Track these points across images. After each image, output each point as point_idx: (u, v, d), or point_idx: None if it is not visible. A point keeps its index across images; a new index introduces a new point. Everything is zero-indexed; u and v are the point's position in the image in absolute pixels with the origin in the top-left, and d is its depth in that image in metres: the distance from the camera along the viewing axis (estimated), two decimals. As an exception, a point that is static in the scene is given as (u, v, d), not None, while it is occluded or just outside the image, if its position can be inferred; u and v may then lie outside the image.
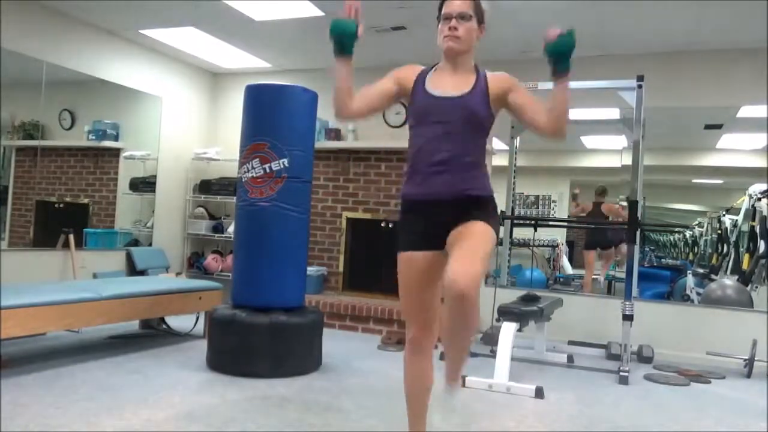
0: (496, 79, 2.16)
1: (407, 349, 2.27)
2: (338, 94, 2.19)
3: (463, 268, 1.89)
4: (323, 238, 6.23)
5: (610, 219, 6.17)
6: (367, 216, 6.02)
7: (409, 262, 2.14)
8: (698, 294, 5.56)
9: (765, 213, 5.35)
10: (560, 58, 2.01)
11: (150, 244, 6.11)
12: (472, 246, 1.98)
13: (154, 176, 6.16)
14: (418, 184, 2.12)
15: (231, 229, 5.76)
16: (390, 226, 5.71)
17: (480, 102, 2.11)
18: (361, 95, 2.20)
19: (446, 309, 1.96)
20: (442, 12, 2.15)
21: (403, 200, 2.19)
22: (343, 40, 2.17)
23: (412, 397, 2.31)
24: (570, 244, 6.53)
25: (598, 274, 6.21)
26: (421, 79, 2.19)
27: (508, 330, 3.93)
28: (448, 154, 2.08)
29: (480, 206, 2.10)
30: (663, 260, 6.53)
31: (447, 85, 2.15)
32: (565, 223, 6.45)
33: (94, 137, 5.64)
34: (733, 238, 5.76)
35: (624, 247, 6.03)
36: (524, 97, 2.14)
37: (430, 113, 2.12)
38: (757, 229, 5.40)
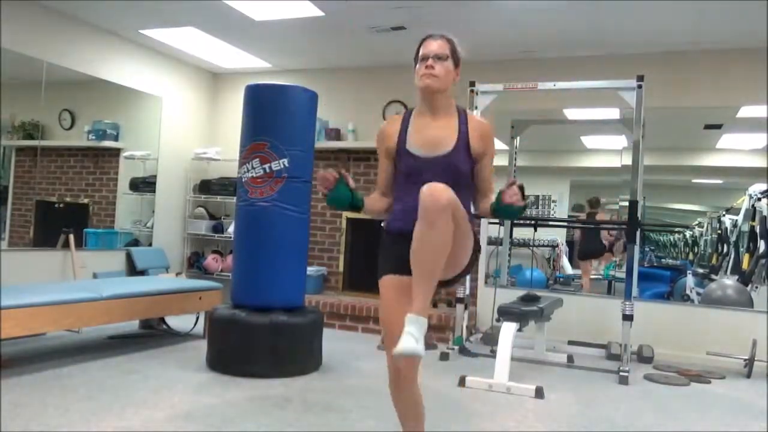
0: (478, 136, 2.16)
1: (391, 381, 2.15)
2: (381, 214, 2.33)
3: (436, 188, 1.88)
4: (323, 238, 6.23)
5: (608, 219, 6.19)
6: (367, 216, 6.01)
7: (390, 284, 2.14)
8: (698, 294, 5.56)
9: (765, 213, 5.35)
10: (504, 217, 2.13)
11: (150, 244, 6.11)
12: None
13: (154, 176, 6.16)
14: (399, 219, 2.16)
15: (231, 229, 5.76)
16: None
17: (463, 159, 2.13)
18: (385, 190, 2.30)
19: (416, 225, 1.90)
20: (420, 53, 2.17)
21: (386, 232, 2.24)
22: (346, 205, 2.18)
23: (408, 424, 2.22)
24: (570, 244, 6.53)
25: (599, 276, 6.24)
26: (402, 134, 2.19)
27: (508, 330, 3.93)
28: None
29: None
30: (663, 260, 6.52)
31: (429, 136, 2.15)
32: (565, 223, 6.45)
33: (94, 137, 5.63)
34: (733, 238, 5.75)
35: (620, 248, 6.10)
36: (487, 171, 2.20)
37: (415, 173, 2.13)
38: (757, 229, 5.40)
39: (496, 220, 5.37)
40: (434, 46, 2.14)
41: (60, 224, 5.22)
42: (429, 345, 4.67)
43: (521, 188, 1.99)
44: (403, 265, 2.00)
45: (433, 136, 2.15)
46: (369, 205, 2.26)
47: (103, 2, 4.82)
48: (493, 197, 2.15)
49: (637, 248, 4.44)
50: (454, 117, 2.19)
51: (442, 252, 1.87)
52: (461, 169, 2.13)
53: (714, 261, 5.96)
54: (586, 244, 6.36)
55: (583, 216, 6.24)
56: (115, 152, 5.79)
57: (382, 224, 2.31)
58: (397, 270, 2.11)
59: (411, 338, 1.79)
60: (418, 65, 2.17)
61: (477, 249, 2.17)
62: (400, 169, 2.21)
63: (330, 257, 6.22)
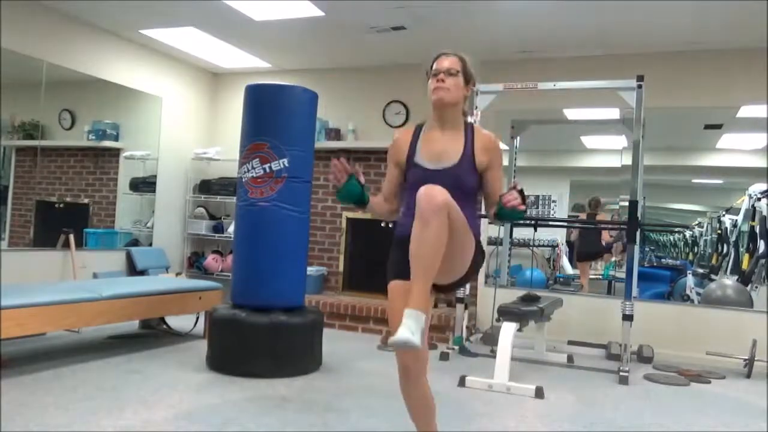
0: (483, 149, 2.24)
1: (400, 378, 2.22)
2: (383, 216, 2.44)
3: (432, 189, 1.96)
4: (323, 238, 6.23)
5: (608, 222, 6.18)
6: (367, 216, 6.02)
7: (395, 289, 2.23)
8: (698, 294, 5.56)
9: (765, 213, 5.35)
10: (506, 220, 2.22)
11: (150, 244, 6.11)
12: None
13: (154, 176, 6.16)
14: (404, 225, 2.23)
15: (231, 229, 5.76)
16: (390, 225, 5.70)
17: (468, 171, 2.22)
18: (388, 195, 2.39)
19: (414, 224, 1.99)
20: (433, 69, 2.26)
21: (395, 237, 2.31)
22: (356, 200, 2.28)
23: (420, 423, 2.31)
24: (570, 244, 6.53)
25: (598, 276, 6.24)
26: (412, 146, 2.29)
27: (508, 330, 3.93)
28: None
29: None
30: (663, 260, 6.52)
31: (436, 149, 2.24)
32: (565, 223, 6.45)
33: (94, 137, 5.63)
34: (733, 238, 5.75)
35: (620, 248, 6.10)
36: (494, 179, 2.26)
37: (422, 185, 2.14)
38: (757, 229, 5.40)
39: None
40: (446, 63, 2.25)
41: (60, 224, 5.22)
42: (429, 345, 4.66)
43: (521, 192, 2.06)
44: (406, 269, 2.05)
45: (440, 148, 2.24)
46: (373, 204, 2.34)
47: (103, 2, 4.82)
48: (498, 191, 2.23)
49: (637, 248, 4.43)
50: (462, 131, 2.27)
51: (437, 249, 1.93)
52: (466, 181, 2.21)
53: (714, 261, 5.96)
54: (585, 246, 6.36)
55: (583, 216, 6.24)
56: (115, 152, 5.79)
57: (382, 224, 2.37)
58: (401, 275, 2.16)
59: (406, 330, 1.84)
60: (430, 81, 2.26)
61: (479, 260, 2.23)
62: (408, 180, 2.29)
63: (330, 257, 6.22)
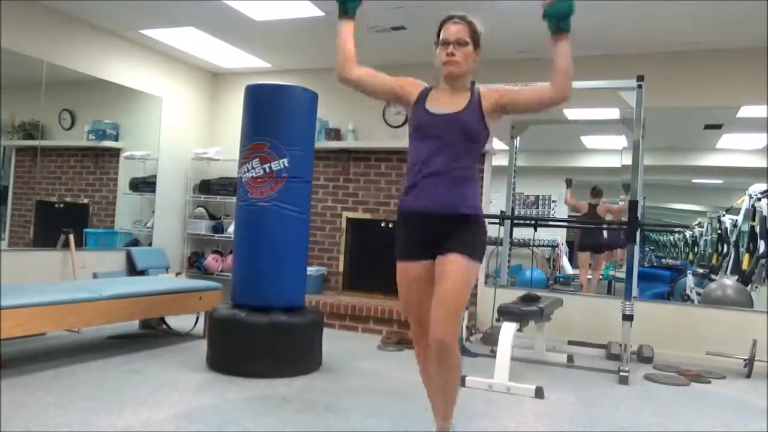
0: (487, 93, 2.33)
1: (414, 342, 2.48)
2: (341, 55, 2.39)
3: (442, 317, 2.17)
4: (323, 238, 6.23)
5: (607, 220, 6.16)
6: (367, 216, 6.02)
7: (406, 270, 2.34)
8: (698, 294, 5.56)
9: (765, 213, 5.35)
10: (560, 19, 2.09)
11: (150, 244, 6.11)
12: (450, 290, 2.20)
13: (154, 176, 6.16)
14: (413, 198, 2.29)
15: (231, 229, 5.76)
16: (390, 226, 5.71)
17: (473, 117, 2.28)
18: (366, 71, 2.42)
19: (431, 354, 2.24)
20: (441, 37, 2.31)
21: (400, 211, 2.37)
22: (347, 3, 2.33)
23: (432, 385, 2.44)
24: (570, 244, 6.53)
25: (590, 277, 6.22)
26: (422, 96, 2.36)
27: (508, 330, 3.93)
28: (442, 166, 2.25)
29: (468, 228, 2.26)
30: (663, 260, 6.52)
31: (444, 103, 2.31)
32: (565, 223, 6.45)
33: (94, 137, 5.64)
34: (733, 238, 5.75)
35: (619, 252, 6.05)
36: (515, 91, 2.33)
37: (428, 128, 2.30)
38: (757, 229, 5.40)
39: (496, 220, 5.36)
40: (453, 31, 2.29)
41: (60, 224, 5.22)
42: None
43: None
44: (413, 249, 2.24)
45: (448, 100, 2.32)
46: (346, 38, 2.40)
47: (103, 2, 4.82)
48: (537, 86, 2.30)
49: (637, 248, 4.43)
50: (469, 90, 2.36)
51: (457, 366, 2.25)
52: (471, 126, 2.27)
53: (714, 261, 5.96)
54: (585, 236, 6.29)
55: (584, 203, 6.17)
56: (115, 152, 5.79)
57: (382, 224, 2.44)
58: (411, 255, 2.30)
59: None
60: (438, 49, 2.32)
61: (485, 240, 2.37)
62: (412, 124, 2.36)
63: (330, 257, 6.21)
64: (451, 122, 2.26)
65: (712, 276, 5.79)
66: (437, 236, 2.25)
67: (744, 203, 5.60)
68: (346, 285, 6.13)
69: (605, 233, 6.29)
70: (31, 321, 3.43)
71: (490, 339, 4.72)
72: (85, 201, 5.64)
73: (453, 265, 2.22)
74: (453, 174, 2.25)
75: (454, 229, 2.24)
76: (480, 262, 2.32)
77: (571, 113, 5.77)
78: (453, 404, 2.34)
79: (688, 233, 6.41)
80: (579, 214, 6.22)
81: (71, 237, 5.11)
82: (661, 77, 4.89)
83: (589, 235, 6.27)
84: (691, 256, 6.35)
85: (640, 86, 4.24)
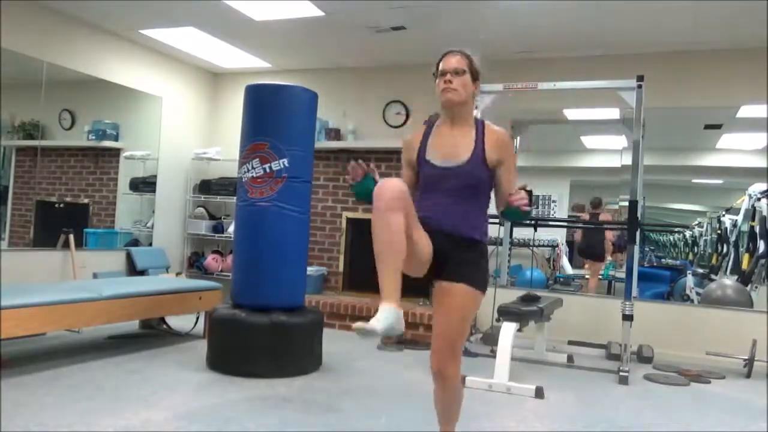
0: (493, 145, 2.24)
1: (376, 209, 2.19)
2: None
3: (443, 349, 2.21)
4: (323, 238, 6.23)
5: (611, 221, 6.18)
6: (367, 216, 6.01)
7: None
8: (698, 294, 5.56)
9: (765, 213, 5.34)
10: (514, 219, 2.26)
11: (150, 244, 6.11)
12: (451, 321, 2.24)
13: (154, 176, 6.16)
14: (426, 209, 2.24)
15: (231, 229, 5.76)
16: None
17: (479, 168, 2.22)
18: (406, 189, 2.28)
19: (433, 380, 2.24)
20: (439, 69, 2.27)
21: None
22: (370, 198, 2.28)
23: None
24: (570, 244, 6.53)
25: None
26: (423, 146, 2.31)
27: (508, 330, 3.93)
28: (451, 207, 2.23)
29: (471, 254, 2.24)
30: (663, 260, 6.52)
31: (447, 146, 2.25)
32: (565, 223, 6.45)
33: (94, 137, 5.63)
34: (732, 238, 5.75)
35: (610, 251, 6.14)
36: (504, 178, 2.26)
37: (435, 183, 2.26)
38: (757, 229, 5.40)
39: (496, 220, 5.36)
40: (453, 62, 2.26)
41: (60, 224, 5.22)
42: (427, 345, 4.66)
43: (529, 193, 2.12)
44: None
45: (451, 146, 2.25)
46: None
47: (103, 2, 4.82)
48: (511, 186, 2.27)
49: (637, 248, 4.43)
50: (472, 128, 2.28)
51: (459, 395, 2.30)
52: (477, 177, 2.22)
53: (714, 261, 5.96)
54: (584, 246, 6.37)
55: (583, 215, 6.23)
56: (115, 152, 5.79)
57: None
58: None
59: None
60: (438, 80, 2.28)
61: (488, 274, 2.38)
62: (422, 177, 2.32)
63: (330, 257, 6.21)
64: (456, 176, 2.21)
65: (712, 276, 5.79)
66: (441, 250, 2.18)
67: (744, 203, 5.60)
68: (346, 285, 6.13)
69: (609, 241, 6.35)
70: (31, 321, 3.43)
71: (490, 339, 4.72)
72: (85, 201, 5.64)
73: (456, 295, 2.23)
74: (464, 216, 2.23)
75: (458, 248, 2.20)
76: (484, 293, 2.31)
77: (571, 113, 5.77)
78: (455, 422, 2.35)
79: (687, 233, 6.42)
80: (580, 215, 6.25)
81: (71, 237, 5.11)
82: (661, 77, 4.88)
83: (586, 244, 6.34)
84: (690, 256, 6.35)
85: (640, 86, 4.24)
